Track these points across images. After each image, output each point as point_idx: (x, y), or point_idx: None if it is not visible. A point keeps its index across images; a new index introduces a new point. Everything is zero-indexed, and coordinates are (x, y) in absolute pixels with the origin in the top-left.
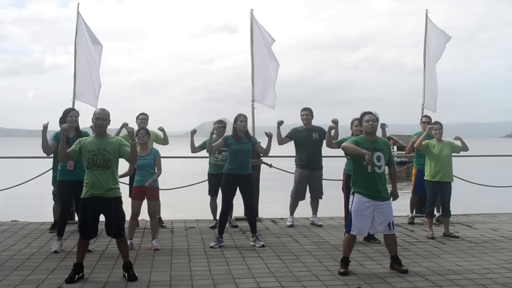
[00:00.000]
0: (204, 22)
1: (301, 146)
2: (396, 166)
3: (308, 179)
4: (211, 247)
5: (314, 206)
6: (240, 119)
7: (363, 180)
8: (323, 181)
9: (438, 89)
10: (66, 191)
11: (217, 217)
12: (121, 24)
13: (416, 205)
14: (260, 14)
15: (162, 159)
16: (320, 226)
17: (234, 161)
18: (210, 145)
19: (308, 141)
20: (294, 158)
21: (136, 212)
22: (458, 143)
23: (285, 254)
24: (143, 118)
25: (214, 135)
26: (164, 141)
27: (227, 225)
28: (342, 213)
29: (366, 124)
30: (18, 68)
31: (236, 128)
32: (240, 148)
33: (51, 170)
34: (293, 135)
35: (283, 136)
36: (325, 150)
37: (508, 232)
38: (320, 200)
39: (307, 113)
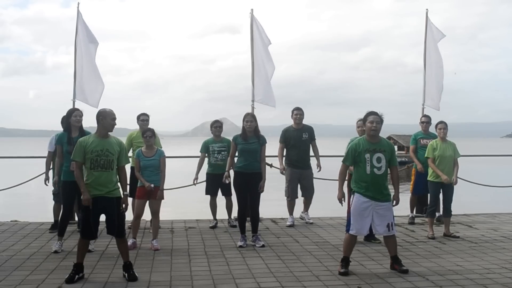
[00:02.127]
0: (206, 23)
1: (292, 145)
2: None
3: (299, 178)
4: (240, 246)
5: (306, 204)
6: (246, 119)
7: (362, 180)
8: (324, 181)
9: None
10: (69, 192)
11: (217, 217)
12: (123, 24)
13: (416, 205)
14: (263, 14)
15: None
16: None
17: (241, 160)
18: (232, 160)
19: (299, 141)
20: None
21: (139, 212)
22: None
23: (285, 254)
24: (144, 119)
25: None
26: None
27: (226, 225)
28: (341, 213)
29: (369, 125)
30: (19, 68)
31: (244, 127)
32: (246, 147)
33: (51, 170)
34: (286, 137)
35: (281, 150)
36: (326, 150)
37: (508, 232)
38: (312, 197)
39: (300, 113)
